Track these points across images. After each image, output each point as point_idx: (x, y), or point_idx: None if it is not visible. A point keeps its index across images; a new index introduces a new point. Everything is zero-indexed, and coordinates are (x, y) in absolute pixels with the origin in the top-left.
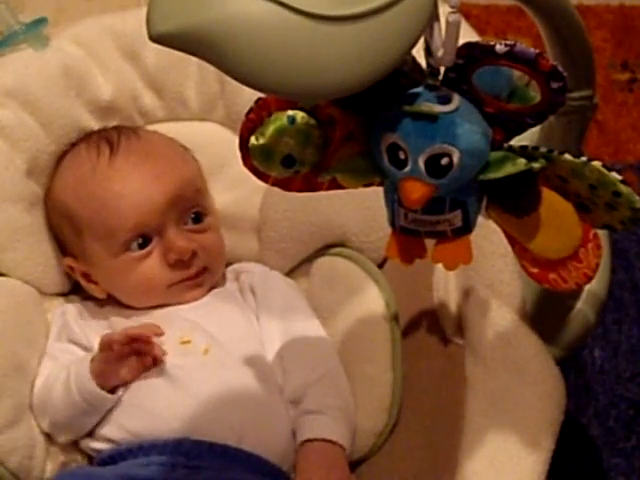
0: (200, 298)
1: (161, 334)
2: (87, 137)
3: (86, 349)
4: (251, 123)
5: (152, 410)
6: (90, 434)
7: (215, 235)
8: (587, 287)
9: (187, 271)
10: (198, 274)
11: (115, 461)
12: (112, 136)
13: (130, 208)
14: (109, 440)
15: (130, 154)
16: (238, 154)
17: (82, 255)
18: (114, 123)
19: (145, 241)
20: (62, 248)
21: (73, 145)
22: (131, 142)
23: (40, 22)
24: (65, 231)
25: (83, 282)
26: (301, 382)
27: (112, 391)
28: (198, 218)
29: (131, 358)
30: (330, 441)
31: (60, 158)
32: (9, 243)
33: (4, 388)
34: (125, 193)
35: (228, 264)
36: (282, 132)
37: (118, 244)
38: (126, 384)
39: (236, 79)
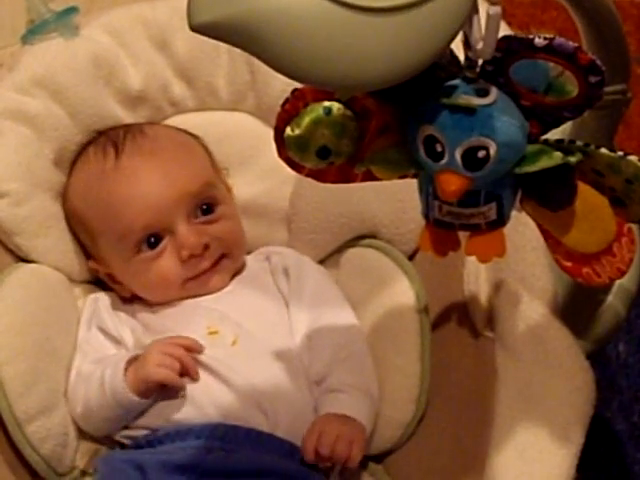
0: (224, 286)
1: (201, 350)
2: (95, 139)
3: (114, 340)
4: (287, 114)
5: (189, 398)
6: (127, 426)
7: (229, 222)
8: (618, 281)
9: (201, 264)
10: (215, 264)
11: (152, 446)
12: (117, 137)
13: (137, 210)
14: (146, 428)
15: (134, 155)
16: (273, 145)
17: (101, 258)
18: (143, 113)
19: (156, 240)
20: (84, 250)
21: (83, 147)
22: (136, 141)
23: (71, 11)
24: (82, 236)
25: (108, 282)
26: (325, 363)
27: (146, 394)
28: (209, 209)
29: (171, 363)
30: (348, 417)
31: (73, 161)
32: (41, 230)
33: (39, 374)
34: (130, 196)
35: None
36: (318, 123)
37: (130, 247)
38: (159, 389)
39: (276, 69)
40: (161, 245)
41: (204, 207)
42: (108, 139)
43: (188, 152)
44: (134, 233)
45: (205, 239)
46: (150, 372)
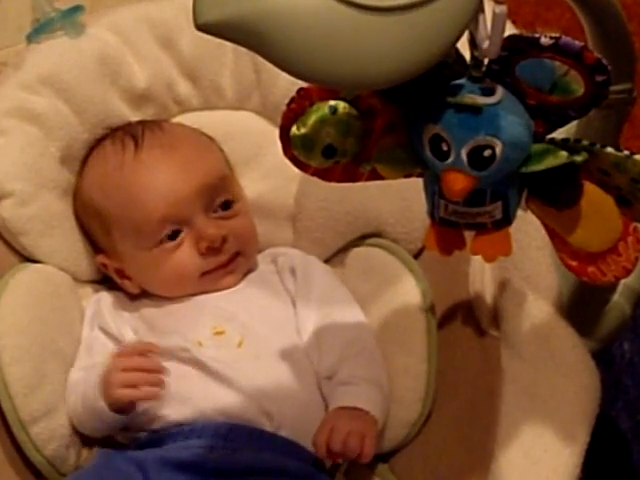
0: (235, 285)
1: (157, 352)
2: (112, 134)
3: (116, 340)
4: (292, 113)
5: (191, 400)
6: (127, 427)
7: (245, 220)
8: (623, 280)
9: (219, 258)
10: (230, 260)
11: (153, 445)
12: (136, 130)
13: (157, 200)
14: (146, 430)
15: (154, 147)
16: (278, 143)
17: (113, 251)
18: (149, 112)
19: (175, 232)
20: (94, 246)
21: (99, 141)
22: (155, 135)
23: (76, 9)
24: (95, 229)
25: (117, 278)
26: (336, 359)
27: (124, 412)
28: (227, 205)
29: (134, 379)
30: (361, 410)
31: (86, 156)
32: (47, 229)
33: (43, 375)
34: (151, 186)
35: (262, 250)
36: (324, 122)
37: (148, 237)
38: (135, 404)
39: (281, 68)
40: (180, 237)
41: (222, 202)
42: (126, 133)
43: (206, 148)
44: (153, 223)
45: (224, 232)
46: (117, 395)
